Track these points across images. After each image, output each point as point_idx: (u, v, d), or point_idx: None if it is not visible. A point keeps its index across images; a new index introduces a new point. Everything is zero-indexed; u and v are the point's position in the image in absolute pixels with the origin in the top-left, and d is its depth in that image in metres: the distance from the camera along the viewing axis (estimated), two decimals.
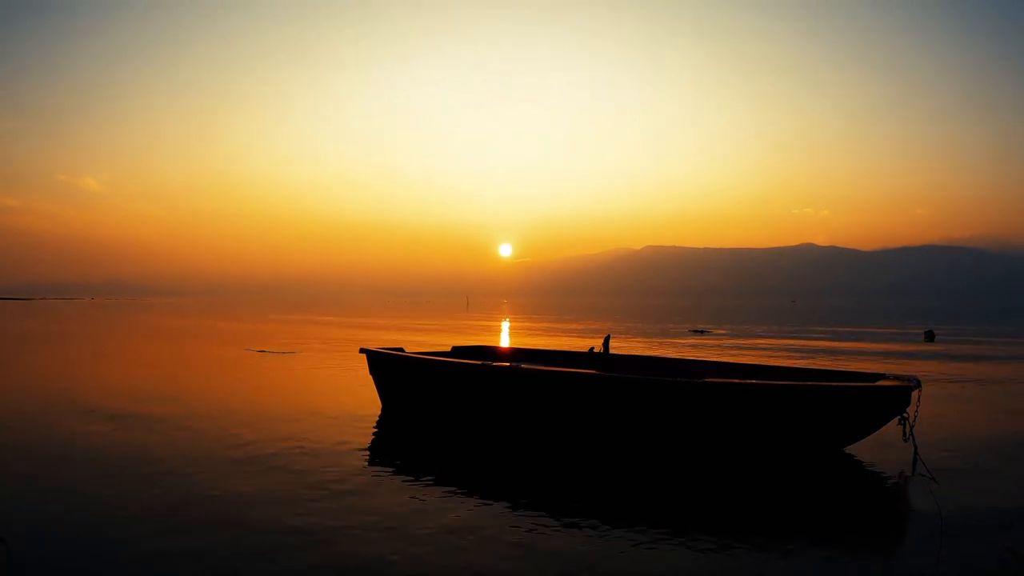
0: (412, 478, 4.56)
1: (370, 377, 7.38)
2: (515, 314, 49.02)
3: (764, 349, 16.61)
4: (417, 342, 15.81)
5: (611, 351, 7.71)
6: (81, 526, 3.58)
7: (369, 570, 3.05)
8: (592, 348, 7.90)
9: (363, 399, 7.68)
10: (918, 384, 5.03)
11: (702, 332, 23.90)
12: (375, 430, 6.18)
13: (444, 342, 15.92)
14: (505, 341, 20.25)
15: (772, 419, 4.97)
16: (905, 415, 4.88)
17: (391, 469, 4.82)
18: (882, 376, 5.46)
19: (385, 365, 7.11)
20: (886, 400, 4.87)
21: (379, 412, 6.96)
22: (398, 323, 31.54)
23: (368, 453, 5.30)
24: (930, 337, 20.43)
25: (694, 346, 17.57)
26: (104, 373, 10.75)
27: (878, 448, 5.32)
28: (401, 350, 7.41)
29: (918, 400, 5.00)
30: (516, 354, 8.40)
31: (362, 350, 7.40)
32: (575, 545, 3.36)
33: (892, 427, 4.95)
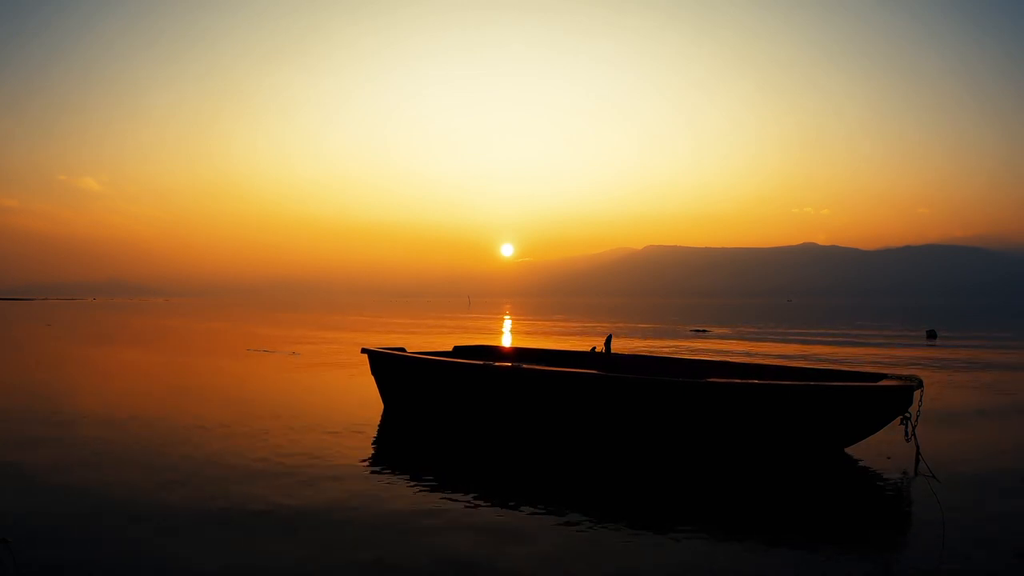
0: (414, 478, 4.55)
1: (372, 377, 7.38)
2: (516, 314, 49.02)
3: (764, 349, 16.59)
4: (419, 342, 15.80)
5: (612, 351, 7.71)
6: (84, 527, 3.58)
7: (370, 569, 3.05)
8: (594, 348, 7.90)
9: (365, 399, 7.67)
10: (920, 384, 5.02)
11: (703, 332, 23.89)
12: (377, 430, 6.18)
13: (446, 342, 15.92)
14: (507, 341, 20.25)
15: (774, 419, 4.96)
16: (907, 414, 4.88)
17: (393, 469, 4.82)
18: (884, 375, 5.45)
19: (386, 365, 7.11)
20: (888, 400, 4.86)
21: (381, 412, 6.95)
22: (400, 323, 31.55)
23: (370, 453, 5.30)
24: (932, 336, 20.42)
25: (695, 345, 17.56)
26: (107, 374, 10.75)
27: (880, 448, 5.32)
28: (402, 350, 7.41)
29: (920, 399, 4.99)
30: (518, 354, 8.40)
31: (364, 350, 7.39)
32: (576, 544, 3.35)
33: (894, 427, 4.95)
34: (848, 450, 5.29)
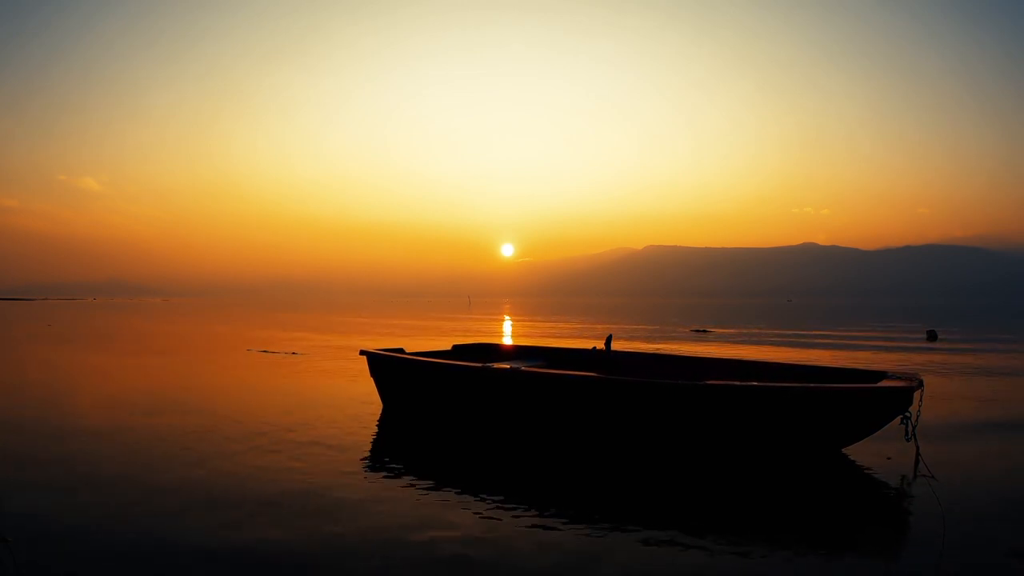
0: (413, 479, 4.55)
1: (371, 378, 7.38)
2: (516, 314, 49.01)
3: (764, 350, 16.58)
4: (419, 342, 15.81)
5: (613, 350, 7.70)
6: (85, 527, 3.58)
7: (369, 570, 3.05)
8: (595, 348, 7.89)
9: (364, 400, 7.67)
10: (920, 383, 5.02)
11: (704, 332, 23.88)
12: (376, 431, 6.18)
13: (446, 342, 15.91)
14: (507, 340, 20.24)
15: (773, 420, 4.96)
16: (907, 414, 4.87)
17: (392, 470, 4.82)
18: (884, 375, 5.44)
19: (385, 366, 7.11)
20: (888, 400, 4.86)
21: (380, 413, 6.95)
22: (400, 323, 31.54)
23: (369, 454, 5.30)
24: (932, 337, 20.40)
25: (695, 348, 17.55)
26: (109, 374, 10.75)
27: (880, 448, 5.31)
28: (401, 351, 7.41)
29: (920, 399, 4.99)
30: (517, 352, 8.39)
31: (362, 352, 7.39)
32: (575, 546, 3.35)
33: (894, 426, 4.95)
34: (847, 450, 5.28)
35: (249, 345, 16.60)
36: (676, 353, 7.44)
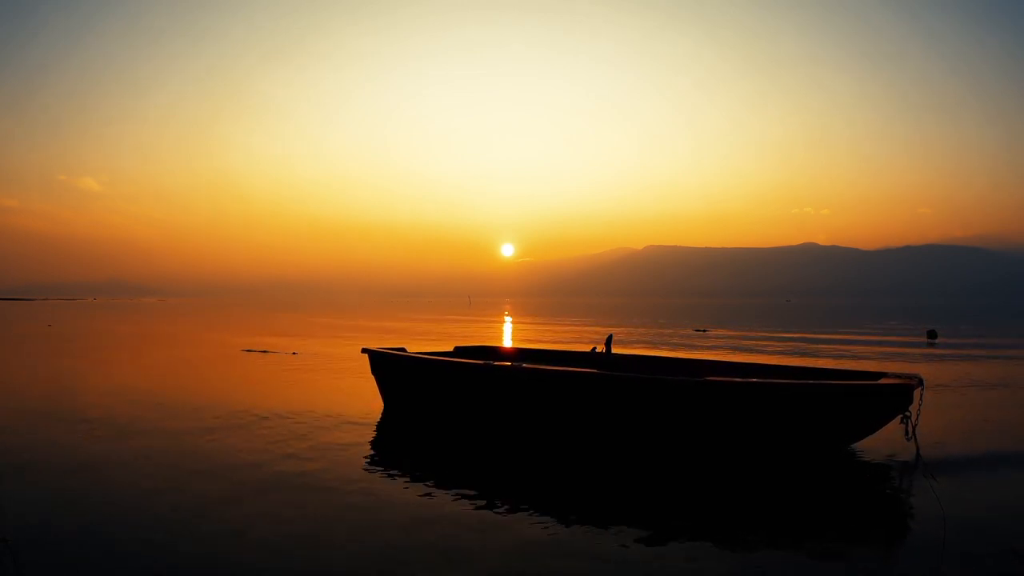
0: (414, 478, 4.55)
1: (372, 377, 7.38)
2: (517, 314, 49.01)
3: (765, 349, 16.58)
4: (418, 343, 15.80)
5: (613, 351, 7.70)
6: (83, 528, 3.58)
7: (370, 570, 3.05)
8: (594, 348, 7.89)
9: (365, 399, 7.67)
10: (920, 382, 5.02)
11: (704, 332, 23.89)
12: (377, 430, 6.18)
13: (446, 343, 15.92)
14: (507, 341, 20.24)
15: (774, 418, 4.96)
16: (907, 413, 4.87)
17: (393, 469, 4.82)
18: (884, 374, 5.44)
19: (387, 365, 7.11)
20: (888, 398, 4.86)
21: (381, 412, 6.95)
22: (400, 324, 31.54)
23: (370, 453, 5.30)
24: (932, 337, 20.40)
25: (696, 345, 17.55)
26: (108, 374, 10.75)
27: (880, 447, 5.31)
28: (403, 350, 7.41)
29: (920, 398, 4.99)
30: (518, 354, 8.39)
31: (364, 350, 7.39)
32: (576, 545, 3.35)
33: (894, 425, 4.94)
34: (848, 449, 5.28)
35: (248, 345, 16.60)
36: (677, 356, 7.43)
